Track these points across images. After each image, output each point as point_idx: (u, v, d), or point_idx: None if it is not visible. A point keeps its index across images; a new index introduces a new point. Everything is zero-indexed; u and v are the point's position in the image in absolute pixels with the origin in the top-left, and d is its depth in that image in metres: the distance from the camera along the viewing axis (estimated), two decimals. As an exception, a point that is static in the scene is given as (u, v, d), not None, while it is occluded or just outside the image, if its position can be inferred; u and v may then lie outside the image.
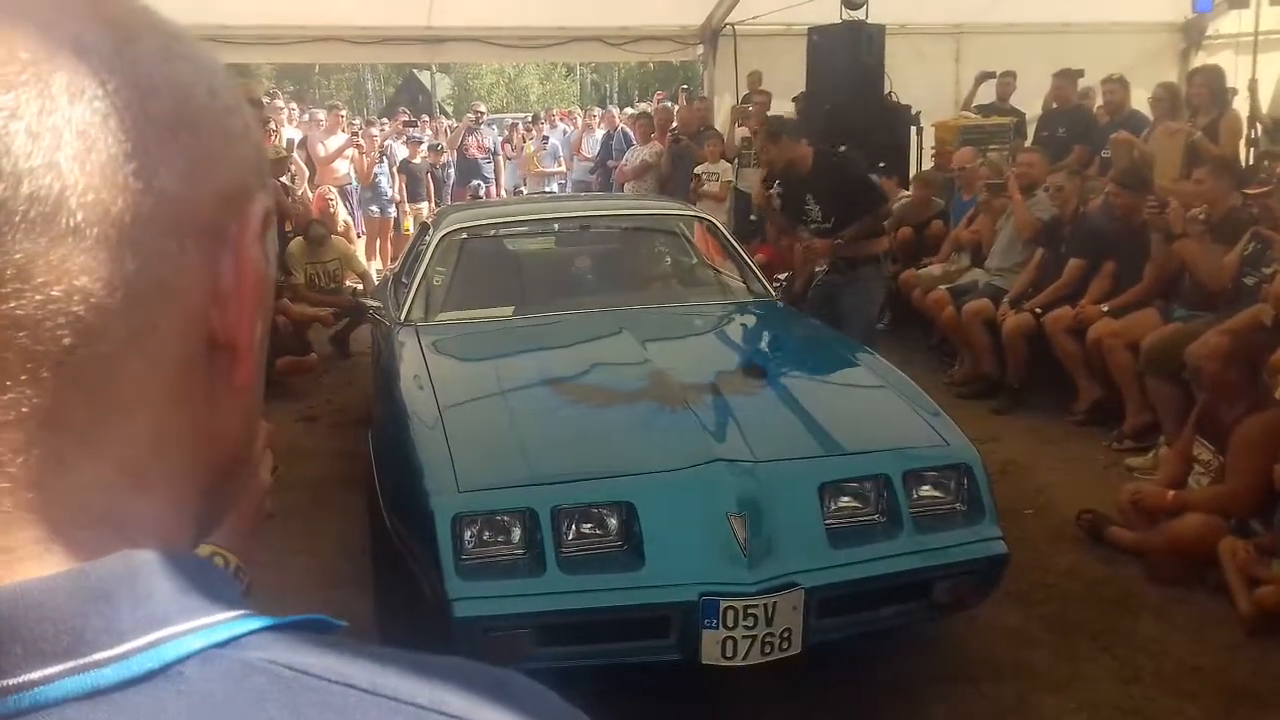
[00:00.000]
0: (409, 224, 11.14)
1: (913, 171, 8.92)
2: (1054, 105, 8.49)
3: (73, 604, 0.41)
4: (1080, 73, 8.55)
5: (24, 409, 0.43)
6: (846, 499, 3.25)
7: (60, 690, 0.40)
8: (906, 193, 8.34)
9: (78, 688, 0.40)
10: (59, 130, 0.43)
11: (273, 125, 9.92)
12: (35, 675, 0.40)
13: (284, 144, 9.82)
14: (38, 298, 0.42)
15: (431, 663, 0.47)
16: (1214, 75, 7.26)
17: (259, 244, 0.51)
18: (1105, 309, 5.78)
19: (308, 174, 10.31)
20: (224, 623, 0.44)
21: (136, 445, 0.47)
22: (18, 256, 0.42)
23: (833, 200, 5.65)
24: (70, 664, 0.40)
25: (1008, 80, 9.45)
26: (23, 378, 0.43)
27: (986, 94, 9.62)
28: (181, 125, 0.47)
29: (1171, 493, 4.26)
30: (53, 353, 0.43)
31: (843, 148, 8.11)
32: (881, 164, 8.08)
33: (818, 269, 5.29)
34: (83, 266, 0.43)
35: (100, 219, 0.44)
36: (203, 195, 0.47)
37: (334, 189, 10.31)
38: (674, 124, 10.47)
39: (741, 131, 9.84)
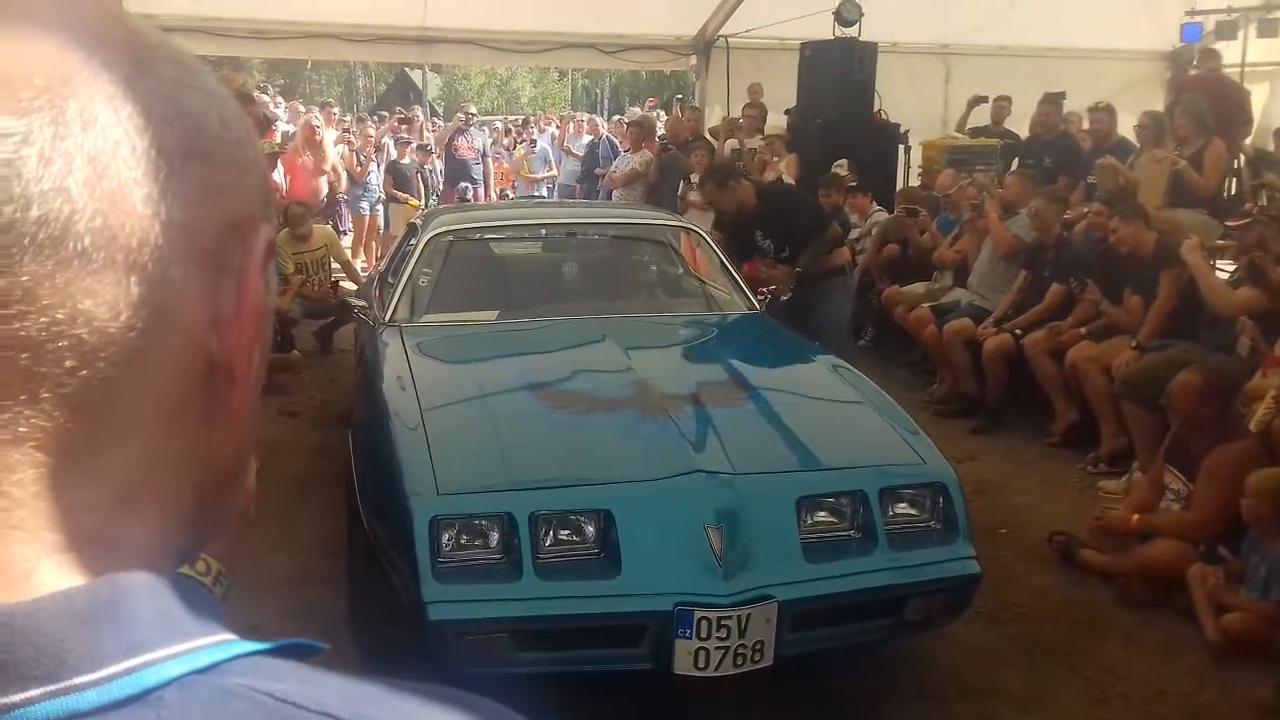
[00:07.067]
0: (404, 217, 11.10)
1: (899, 189, 8.97)
2: (1040, 130, 8.53)
3: (56, 628, 0.41)
4: (1062, 95, 8.61)
5: (21, 429, 0.43)
6: (823, 514, 3.27)
7: (39, 713, 0.40)
8: (879, 208, 8.37)
9: (56, 711, 0.40)
10: (70, 156, 0.43)
11: (276, 124, 9.88)
12: (15, 698, 0.40)
13: (280, 140, 9.77)
14: (42, 320, 0.43)
15: (415, 691, 0.47)
16: (1193, 105, 7.33)
17: (261, 273, 0.52)
18: (1084, 332, 5.84)
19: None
20: (206, 648, 0.44)
21: (131, 467, 0.47)
22: (24, 279, 0.42)
23: (781, 230, 5.91)
24: (50, 687, 0.40)
25: (1002, 104, 9.49)
26: (23, 397, 0.43)
27: (980, 117, 9.67)
28: (193, 155, 0.48)
29: (1136, 516, 4.30)
30: (54, 374, 0.43)
31: (841, 161, 8.19)
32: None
33: (783, 297, 5.47)
34: (87, 290, 0.44)
35: (107, 244, 0.44)
36: (210, 224, 0.48)
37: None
38: (662, 132, 10.49)
39: (731, 143, 9.88)
